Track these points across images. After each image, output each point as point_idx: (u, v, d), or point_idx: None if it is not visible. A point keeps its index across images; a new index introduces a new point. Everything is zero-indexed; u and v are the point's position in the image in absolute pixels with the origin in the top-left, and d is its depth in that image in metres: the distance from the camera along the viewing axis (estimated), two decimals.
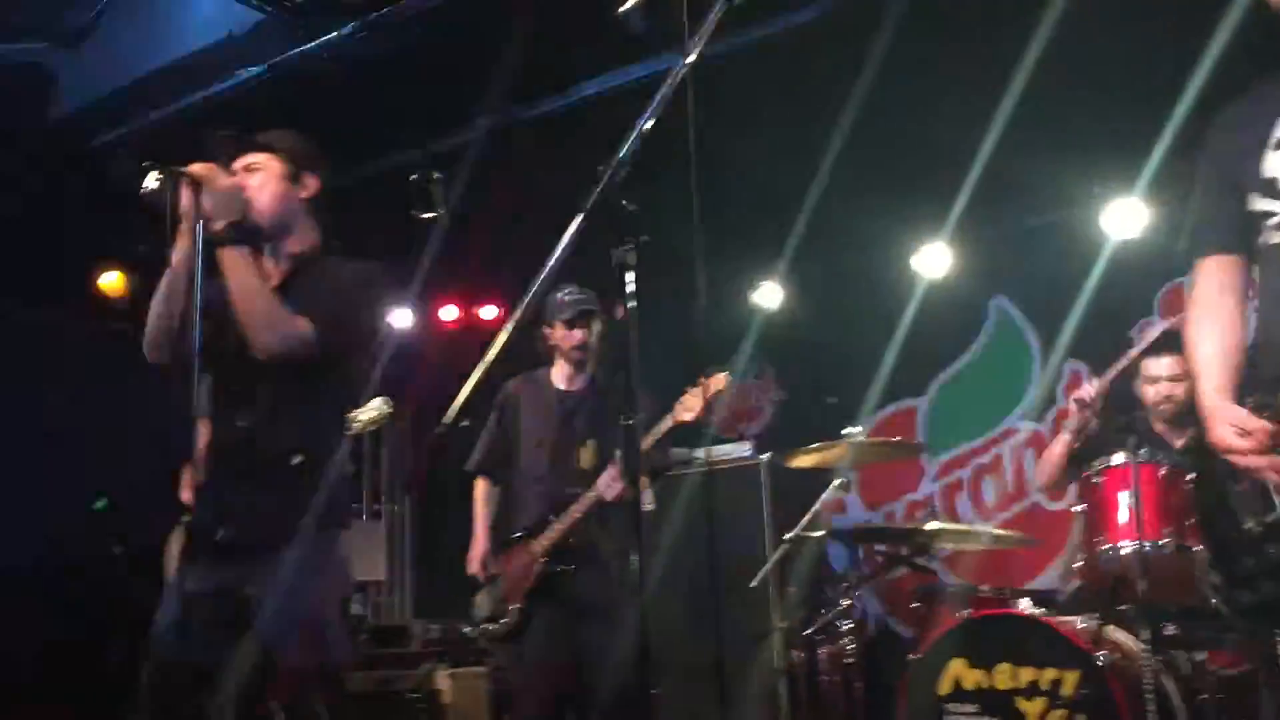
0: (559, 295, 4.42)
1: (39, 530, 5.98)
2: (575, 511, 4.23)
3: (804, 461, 4.68)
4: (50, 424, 6.13)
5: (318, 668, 2.74)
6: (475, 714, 5.56)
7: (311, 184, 3.05)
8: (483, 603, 4.50)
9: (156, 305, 2.88)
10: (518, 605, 4.33)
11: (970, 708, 3.90)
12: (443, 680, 5.56)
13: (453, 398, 4.77)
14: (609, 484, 4.18)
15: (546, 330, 4.50)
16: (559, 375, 4.55)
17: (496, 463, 4.64)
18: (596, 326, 4.47)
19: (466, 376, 4.96)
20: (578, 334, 4.43)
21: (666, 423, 4.17)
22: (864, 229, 5.86)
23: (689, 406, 4.14)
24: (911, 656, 4.11)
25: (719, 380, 4.16)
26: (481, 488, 4.69)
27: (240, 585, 2.75)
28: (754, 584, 4.73)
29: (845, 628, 4.35)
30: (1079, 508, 4.16)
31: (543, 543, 4.29)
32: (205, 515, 2.80)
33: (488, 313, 7.22)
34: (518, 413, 4.56)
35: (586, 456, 4.39)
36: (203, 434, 4.49)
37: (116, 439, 5.67)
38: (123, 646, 5.78)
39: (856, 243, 6.01)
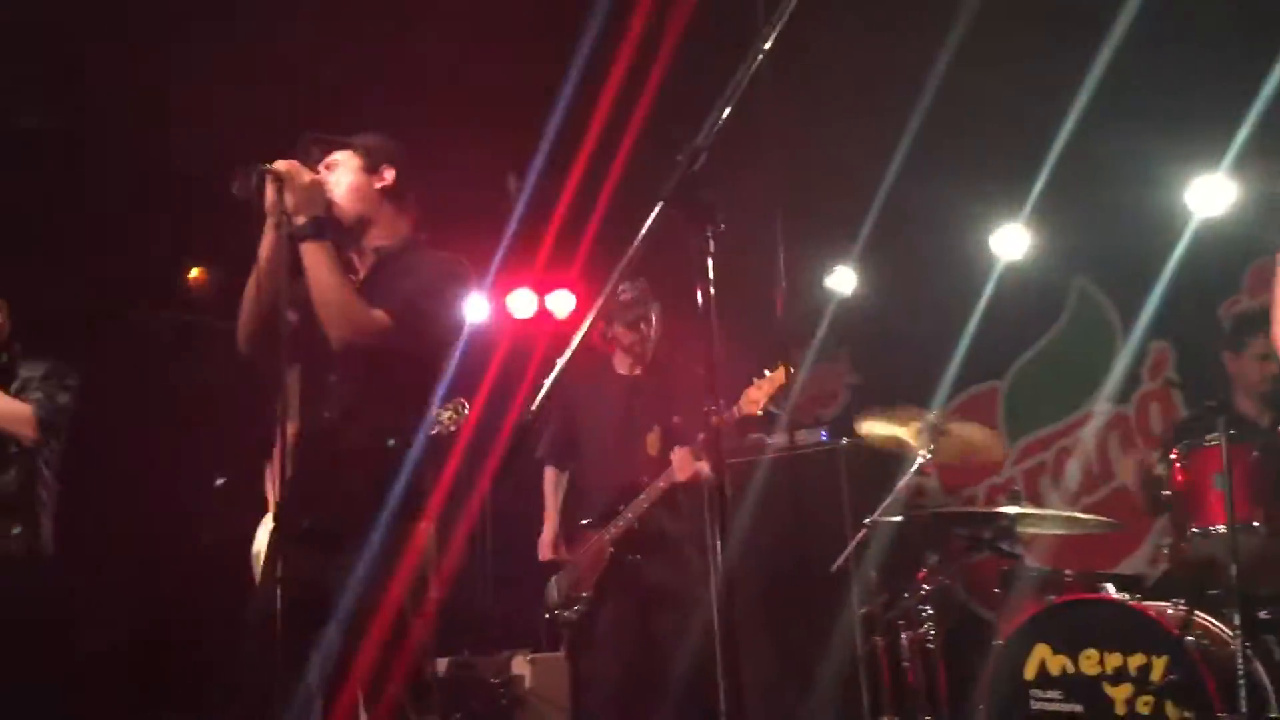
0: (617, 293, 4.43)
1: (130, 521, 6.15)
2: (645, 501, 4.27)
3: (878, 428, 4.64)
4: (142, 417, 6.28)
5: (397, 656, 2.79)
6: (555, 699, 5.61)
7: (389, 174, 3.11)
8: (555, 589, 4.54)
9: (246, 301, 2.95)
10: (589, 594, 4.37)
11: (1056, 694, 3.86)
12: (522, 665, 5.62)
13: (522, 386, 4.81)
14: (680, 465, 4.20)
15: (604, 326, 4.52)
16: (620, 362, 4.57)
17: (562, 450, 4.69)
18: (654, 321, 4.51)
19: (537, 365, 4.98)
20: (637, 332, 4.46)
21: (731, 415, 4.17)
22: (940, 210, 5.78)
23: (752, 399, 4.15)
24: (996, 642, 4.08)
25: (780, 375, 4.16)
26: (550, 475, 4.76)
27: (324, 573, 2.81)
28: (833, 569, 4.73)
29: (927, 613, 4.32)
30: (1167, 491, 4.09)
31: (612, 532, 4.32)
32: (292, 505, 2.87)
33: (559, 301, 7.24)
34: (580, 399, 4.59)
35: (653, 443, 4.42)
36: (291, 427, 4.59)
37: (207, 432, 5.80)
38: (214, 636, 5.93)
39: (933, 224, 5.93)
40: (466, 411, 4.42)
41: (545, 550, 4.63)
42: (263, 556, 4.82)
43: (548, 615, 4.60)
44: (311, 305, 2.90)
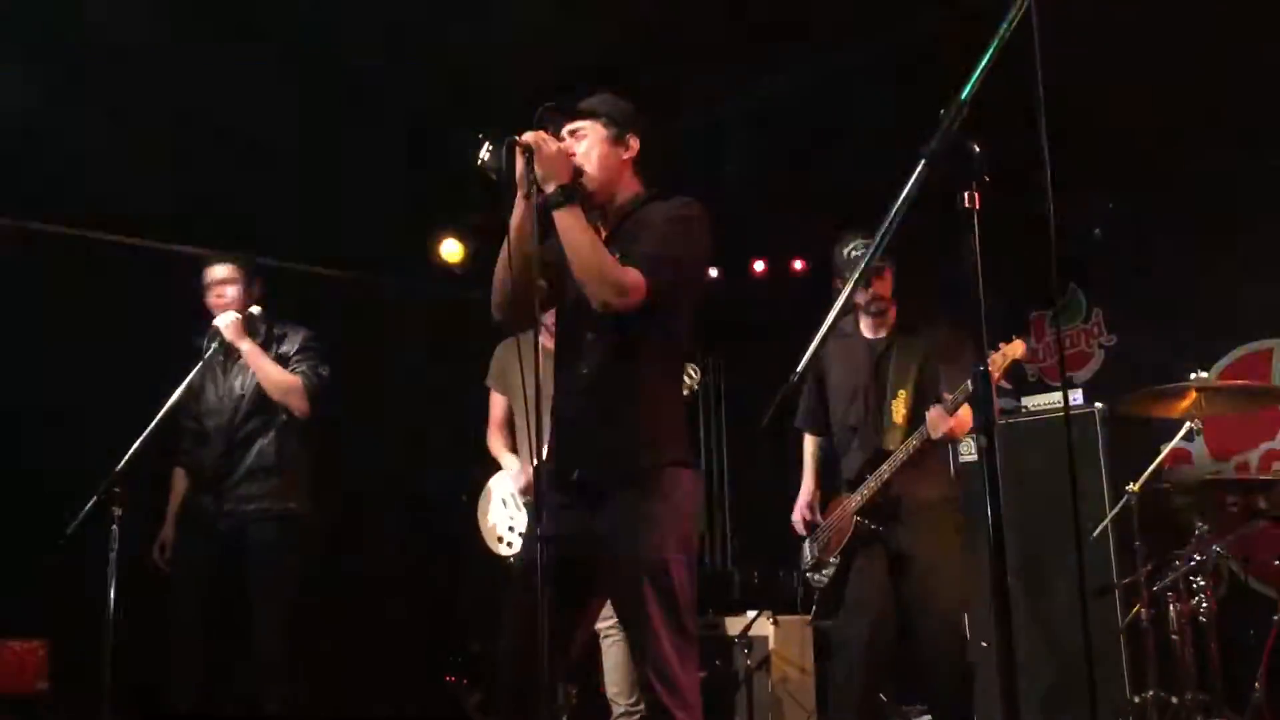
0: (844, 251, 4.34)
1: (386, 488, 6.52)
2: (886, 472, 4.19)
3: (1144, 407, 4.41)
4: (395, 387, 6.61)
5: (663, 608, 2.83)
6: (799, 660, 5.62)
7: (634, 144, 3.16)
8: (808, 552, 4.57)
9: (499, 269, 3.05)
10: (837, 559, 4.36)
11: None
12: (765, 626, 5.64)
13: (762, 352, 4.76)
14: (935, 423, 4.09)
15: (838, 284, 4.43)
16: (865, 324, 4.49)
17: (818, 416, 4.66)
18: (888, 277, 4.39)
19: (776, 330, 4.90)
20: (871, 290, 4.35)
21: (966, 388, 3.99)
22: (1218, 151, 5.36)
23: None
24: (1276, 616, 3.82)
25: (1017, 349, 4.00)
26: (809, 441, 4.77)
27: (591, 526, 2.89)
28: (1093, 537, 4.53)
29: (1197, 584, 4.08)
30: None
31: (856, 499, 4.28)
32: (557, 460, 2.96)
33: (798, 266, 7.18)
34: (829, 365, 4.56)
35: (900, 410, 4.33)
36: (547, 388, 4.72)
37: (456, 399, 6.03)
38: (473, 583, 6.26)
39: (1204, 165, 5.50)
40: (698, 377, 4.43)
41: (799, 514, 4.66)
42: (491, 517, 5.09)
43: (805, 577, 4.63)
44: (562, 269, 2.97)
